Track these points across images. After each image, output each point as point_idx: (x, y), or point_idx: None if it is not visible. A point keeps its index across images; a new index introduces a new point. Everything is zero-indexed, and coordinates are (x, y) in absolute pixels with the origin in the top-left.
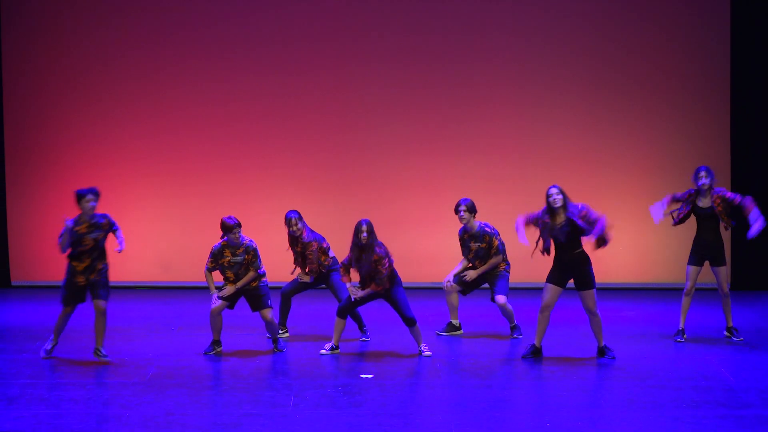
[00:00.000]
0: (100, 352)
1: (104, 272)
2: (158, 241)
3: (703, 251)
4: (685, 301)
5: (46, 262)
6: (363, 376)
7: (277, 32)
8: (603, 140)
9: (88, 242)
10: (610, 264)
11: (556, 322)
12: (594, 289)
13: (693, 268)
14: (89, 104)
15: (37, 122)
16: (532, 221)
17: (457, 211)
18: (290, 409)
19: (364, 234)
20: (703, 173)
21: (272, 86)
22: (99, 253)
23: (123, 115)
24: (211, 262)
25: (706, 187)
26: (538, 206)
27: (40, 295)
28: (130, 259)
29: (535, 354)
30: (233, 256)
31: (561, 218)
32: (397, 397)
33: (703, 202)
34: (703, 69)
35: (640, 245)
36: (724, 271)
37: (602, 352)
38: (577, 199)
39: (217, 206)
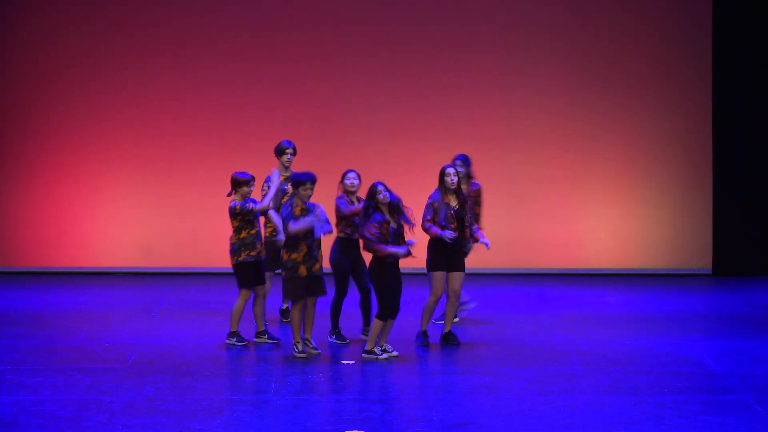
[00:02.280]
0: (310, 343)
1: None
2: (140, 225)
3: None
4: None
5: (27, 247)
6: (344, 362)
7: (263, 18)
8: (582, 125)
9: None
10: (591, 250)
11: (537, 309)
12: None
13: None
14: (72, 89)
15: (19, 108)
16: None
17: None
18: (271, 395)
19: (385, 194)
20: (459, 162)
21: (255, 73)
22: (316, 241)
23: (106, 99)
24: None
25: (462, 176)
26: (518, 190)
27: (20, 280)
28: (112, 244)
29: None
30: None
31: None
32: (379, 383)
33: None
34: (684, 52)
35: (621, 230)
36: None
37: (447, 338)
38: (560, 183)
39: (199, 190)
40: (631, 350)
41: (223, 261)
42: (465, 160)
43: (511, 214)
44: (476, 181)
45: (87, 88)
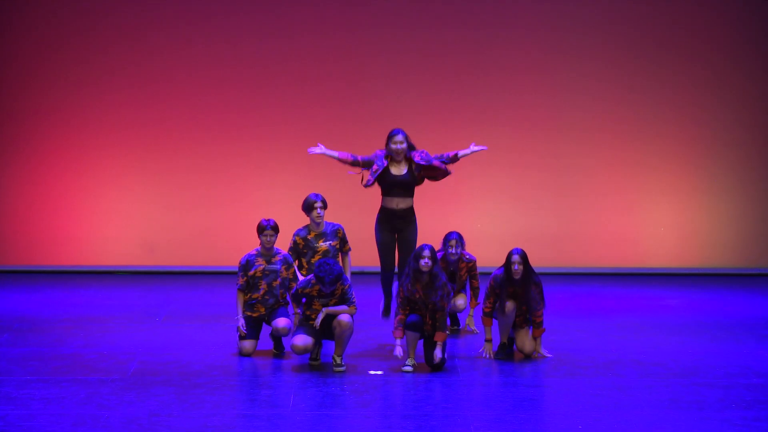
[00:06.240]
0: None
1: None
2: (142, 219)
3: None
4: None
5: (15, 244)
6: (371, 372)
7: None
8: (640, 110)
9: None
10: (649, 246)
11: (588, 313)
12: None
13: None
14: (70, 74)
15: (16, 98)
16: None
17: None
18: (289, 410)
19: (427, 261)
20: (453, 241)
21: (267, 52)
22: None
23: (104, 83)
24: (241, 276)
25: (454, 258)
26: (568, 181)
27: (8, 280)
28: (110, 241)
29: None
30: (267, 263)
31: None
32: (410, 396)
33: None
34: (756, 36)
35: (683, 225)
36: None
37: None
38: (613, 172)
39: (206, 182)
40: (695, 360)
41: (234, 259)
42: (460, 239)
43: (560, 208)
44: (471, 255)
45: (87, 72)
